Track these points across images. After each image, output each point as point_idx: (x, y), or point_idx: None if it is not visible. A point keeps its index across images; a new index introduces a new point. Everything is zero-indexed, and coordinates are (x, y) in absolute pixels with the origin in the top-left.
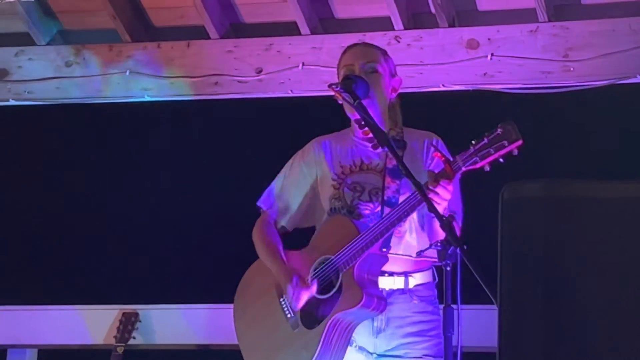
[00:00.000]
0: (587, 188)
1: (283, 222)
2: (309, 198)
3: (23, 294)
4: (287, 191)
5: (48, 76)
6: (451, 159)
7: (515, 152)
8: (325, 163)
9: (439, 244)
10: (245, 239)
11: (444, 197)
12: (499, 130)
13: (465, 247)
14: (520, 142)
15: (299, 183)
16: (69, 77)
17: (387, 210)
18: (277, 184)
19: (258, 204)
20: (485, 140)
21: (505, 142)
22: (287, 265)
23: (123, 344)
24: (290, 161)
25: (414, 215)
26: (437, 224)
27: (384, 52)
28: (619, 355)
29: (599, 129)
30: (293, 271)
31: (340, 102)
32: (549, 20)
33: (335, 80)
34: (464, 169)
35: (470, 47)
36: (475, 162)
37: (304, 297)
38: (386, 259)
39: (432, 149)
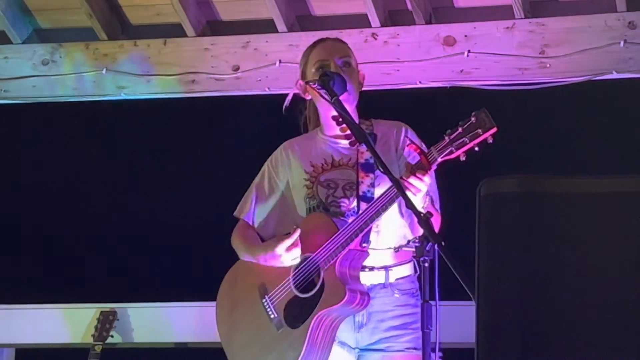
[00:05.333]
0: (563, 183)
1: (259, 232)
2: (281, 205)
3: (0, 293)
4: (259, 200)
5: (24, 75)
6: (425, 149)
7: (490, 140)
8: (295, 166)
9: (417, 240)
10: (224, 238)
11: (420, 188)
12: (473, 119)
13: (443, 243)
14: (494, 129)
15: (270, 191)
16: (45, 76)
17: (363, 204)
18: (249, 193)
19: (235, 214)
20: (460, 129)
21: (480, 131)
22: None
23: (101, 343)
24: (261, 169)
25: (393, 207)
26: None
27: (349, 47)
28: (596, 349)
29: (575, 125)
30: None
31: (309, 98)
32: (525, 17)
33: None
34: (439, 159)
35: (446, 44)
36: (451, 152)
37: (295, 251)
38: (367, 254)
39: (407, 140)
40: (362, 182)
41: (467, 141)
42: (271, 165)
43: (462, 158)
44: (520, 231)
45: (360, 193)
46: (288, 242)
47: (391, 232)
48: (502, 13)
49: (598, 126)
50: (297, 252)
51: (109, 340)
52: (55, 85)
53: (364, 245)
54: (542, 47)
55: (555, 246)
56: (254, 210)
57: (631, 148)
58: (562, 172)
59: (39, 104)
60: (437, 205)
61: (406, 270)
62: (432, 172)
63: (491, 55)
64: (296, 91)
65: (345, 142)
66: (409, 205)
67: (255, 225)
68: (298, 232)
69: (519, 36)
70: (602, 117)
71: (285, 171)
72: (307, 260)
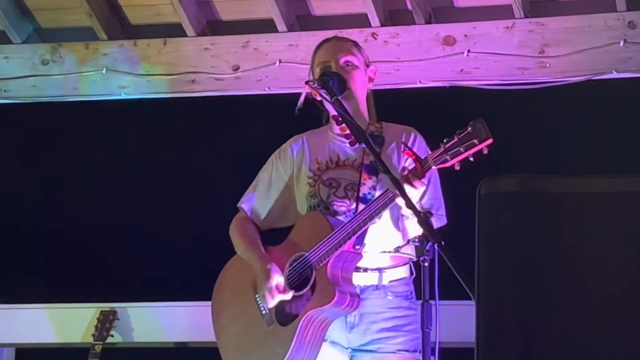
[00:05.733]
0: (562, 183)
1: (257, 222)
2: (283, 198)
3: (0, 293)
4: (262, 191)
5: (24, 74)
6: (423, 157)
7: (485, 150)
8: (301, 161)
9: (416, 240)
10: (224, 237)
11: (412, 195)
12: (469, 129)
13: (443, 242)
14: (490, 140)
15: (274, 183)
16: (45, 75)
17: (362, 206)
18: (254, 183)
19: (238, 204)
20: (456, 139)
21: (476, 141)
22: (267, 259)
23: (101, 342)
24: (268, 161)
25: (388, 211)
26: (409, 221)
27: (357, 44)
28: (596, 348)
29: (575, 124)
30: (273, 269)
31: (320, 99)
32: (525, 17)
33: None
34: (434, 167)
35: (446, 44)
36: (445, 161)
37: (277, 300)
38: (360, 256)
39: (403, 146)
40: (364, 183)
41: (462, 151)
42: (278, 158)
43: (457, 167)
44: (519, 230)
45: (361, 194)
46: (273, 290)
47: (387, 235)
48: (501, 13)
49: (598, 126)
50: (278, 298)
51: (109, 339)
52: (55, 85)
53: (357, 247)
54: (541, 47)
55: (554, 245)
56: (254, 200)
57: (631, 147)
58: (562, 171)
59: (39, 103)
60: (441, 211)
61: (401, 272)
62: (427, 178)
63: (491, 55)
64: (308, 91)
65: None
66: (409, 205)
67: (256, 216)
68: (290, 294)
69: (518, 36)
70: (602, 117)
71: (291, 166)
72: (301, 258)
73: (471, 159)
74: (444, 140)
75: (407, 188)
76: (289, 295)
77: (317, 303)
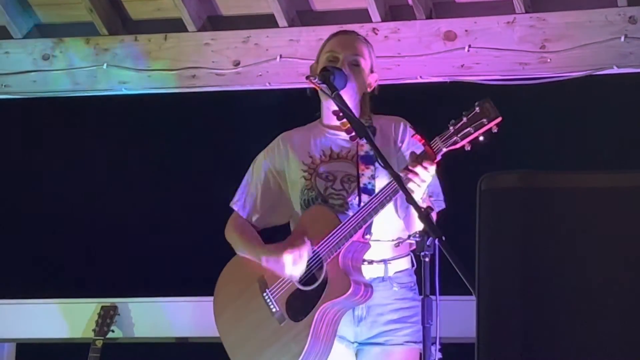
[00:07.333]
0: (563, 179)
1: (252, 221)
2: (275, 195)
3: (1, 288)
4: (253, 189)
5: (25, 69)
6: (421, 144)
7: (495, 129)
8: (292, 157)
9: (417, 235)
10: (225, 232)
11: (425, 178)
12: (477, 109)
13: (443, 237)
14: (499, 118)
15: (264, 180)
16: (46, 71)
17: (364, 196)
18: (244, 182)
19: (230, 204)
20: (464, 119)
21: (485, 120)
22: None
23: (102, 338)
24: (256, 159)
25: (390, 203)
26: (413, 212)
27: (370, 46)
28: (597, 344)
29: (575, 120)
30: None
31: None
32: (526, 12)
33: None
34: (445, 149)
35: (447, 39)
36: (455, 142)
37: (305, 254)
38: (369, 246)
39: (412, 131)
40: (362, 174)
41: (472, 131)
42: (267, 155)
43: (467, 148)
44: (520, 226)
45: (361, 185)
46: (296, 253)
47: (391, 225)
48: (502, 8)
49: (599, 121)
50: (302, 266)
51: (110, 335)
52: (56, 80)
53: (366, 237)
54: (542, 42)
55: (555, 241)
56: (248, 200)
57: (632, 143)
58: (562, 167)
59: (40, 99)
60: (441, 197)
61: (404, 263)
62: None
63: (492, 50)
64: (310, 85)
65: (344, 134)
66: (410, 200)
67: (250, 215)
68: (308, 245)
69: (519, 31)
70: (602, 112)
71: (282, 162)
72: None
73: (481, 138)
74: (452, 122)
75: (420, 172)
76: (308, 246)
77: (332, 295)
